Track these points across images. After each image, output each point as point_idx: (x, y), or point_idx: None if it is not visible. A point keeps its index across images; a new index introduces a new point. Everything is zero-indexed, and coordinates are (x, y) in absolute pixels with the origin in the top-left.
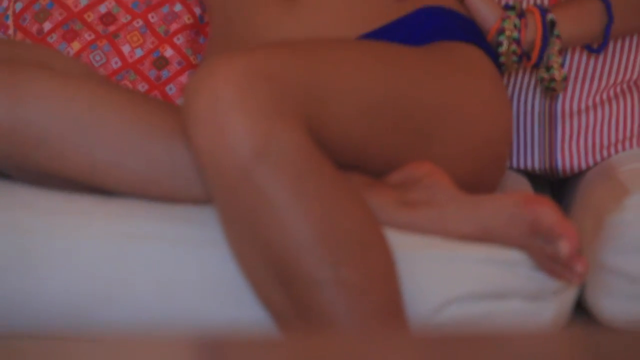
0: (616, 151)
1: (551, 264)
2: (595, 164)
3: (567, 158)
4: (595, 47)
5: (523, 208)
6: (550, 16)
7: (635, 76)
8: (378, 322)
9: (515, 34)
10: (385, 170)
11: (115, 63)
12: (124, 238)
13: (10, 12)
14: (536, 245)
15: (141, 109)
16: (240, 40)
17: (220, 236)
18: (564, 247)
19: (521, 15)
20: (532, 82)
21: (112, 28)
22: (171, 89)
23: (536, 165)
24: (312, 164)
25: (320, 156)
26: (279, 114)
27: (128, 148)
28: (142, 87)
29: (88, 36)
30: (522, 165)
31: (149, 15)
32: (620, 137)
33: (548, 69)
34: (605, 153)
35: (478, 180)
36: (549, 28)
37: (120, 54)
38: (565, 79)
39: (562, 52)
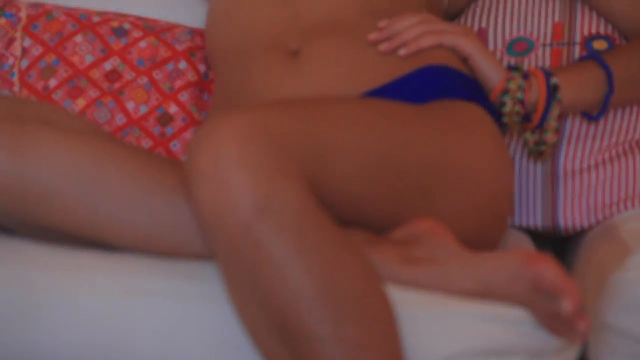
0: (618, 210)
1: (553, 322)
2: (598, 222)
3: (569, 217)
4: (594, 114)
5: (525, 266)
6: (554, 80)
7: (636, 136)
8: None
9: (520, 95)
10: (387, 226)
11: (119, 119)
12: (126, 294)
13: (16, 69)
14: (538, 303)
15: (144, 165)
16: (244, 97)
17: (222, 292)
18: (567, 305)
19: (525, 76)
20: None
21: (117, 85)
22: (175, 145)
23: (538, 224)
24: (313, 221)
25: (321, 213)
26: (280, 171)
27: (130, 204)
28: (146, 143)
29: (93, 93)
30: (524, 224)
31: (154, 73)
32: (623, 196)
33: (542, 132)
34: (607, 212)
35: (480, 237)
36: (552, 91)
37: (124, 111)
38: (555, 144)
39: (561, 116)
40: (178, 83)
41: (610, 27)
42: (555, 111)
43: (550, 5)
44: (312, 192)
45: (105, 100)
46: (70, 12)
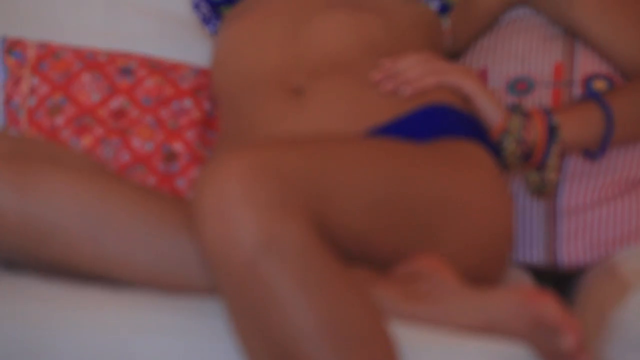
0: (619, 248)
1: (554, 358)
2: (598, 260)
3: (570, 254)
4: (595, 152)
5: (526, 302)
6: (554, 120)
7: (637, 174)
8: None
9: (520, 135)
10: (390, 262)
11: (125, 157)
12: (131, 330)
13: (24, 108)
14: (539, 339)
15: (148, 203)
16: (249, 135)
17: (226, 328)
18: (568, 342)
19: (526, 116)
20: None
21: (122, 123)
22: (180, 183)
23: (539, 260)
24: (317, 258)
25: (325, 250)
26: (284, 208)
27: (136, 241)
28: (151, 180)
29: (99, 131)
30: (524, 260)
31: (159, 111)
32: (623, 234)
33: (543, 170)
34: (608, 249)
35: (481, 274)
36: (552, 131)
37: (130, 148)
38: (557, 183)
39: (561, 155)
40: (183, 121)
41: (610, 67)
42: (556, 150)
43: (551, 44)
44: (316, 229)
45: (111, 138)
46: (77, 52)
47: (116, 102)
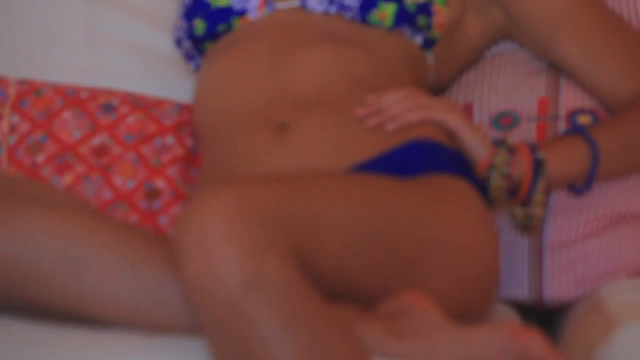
0: (605, 283)
1: None
2: (584, 295)
3: (555, 290)
4: (580, 187)
5: (512, 339)
6: (540, 154)
7: (622, 209)
8: None
9: (506, 170)
10: (374, 298)
11: (107, 194)
12: None
13: (4, 146)
14: None
15: (131, 241)
16: (231, 171)
17: None
18: None
19: (511, 151)
20: None
21: (104, 160)
22: (163, 220)
23: (524, 297)
24: (301, 296)
25: (309, 288)
26: (268, 245)
27: (118, 280)
28: (133, 218)
29: (80, 168)
30: (510, 296)
31: (141, 148)
32: (609, 269)
33: (529, 206)
34: (593, 285)
35: (466, 310)
36: (538, 166)
37: (112, 186)
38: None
39: (547, 191)
40: (166, 158)
41: (594, 101)
42: (541, 185)
43: (535, 79)
44: (299, 267)
45: (92, 175)
46: (58, 89)
47: (98, 139)
